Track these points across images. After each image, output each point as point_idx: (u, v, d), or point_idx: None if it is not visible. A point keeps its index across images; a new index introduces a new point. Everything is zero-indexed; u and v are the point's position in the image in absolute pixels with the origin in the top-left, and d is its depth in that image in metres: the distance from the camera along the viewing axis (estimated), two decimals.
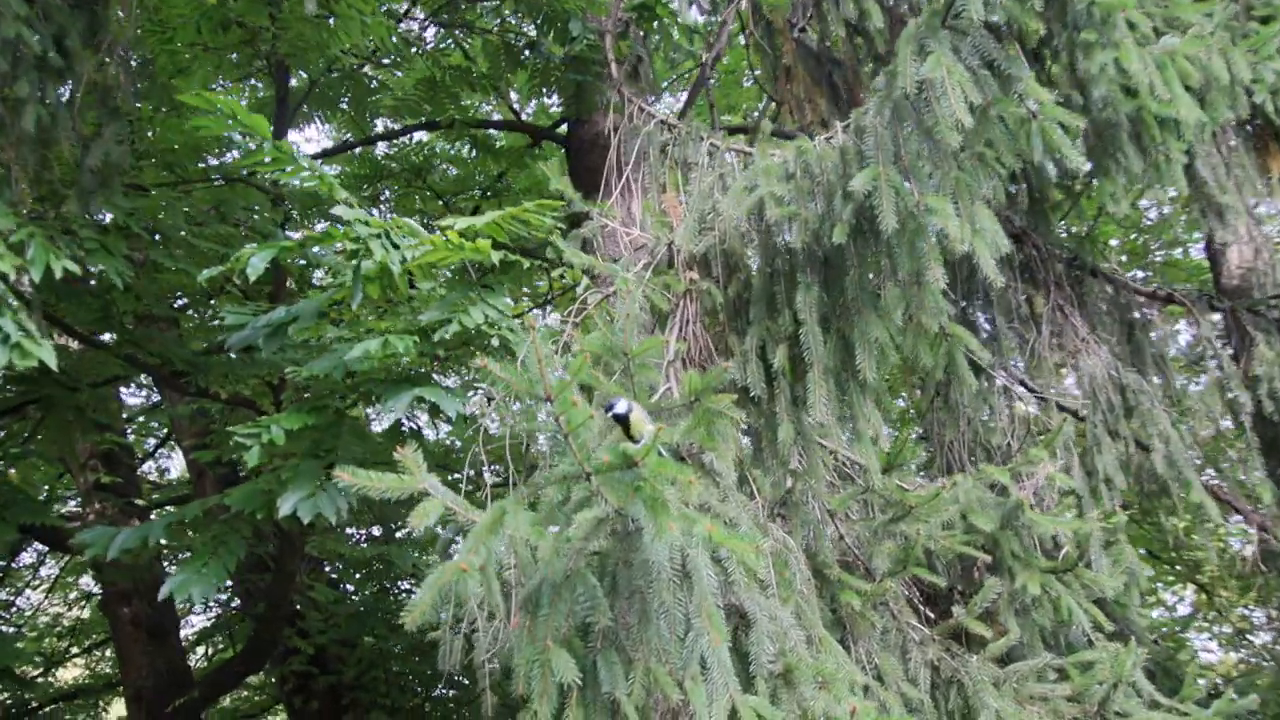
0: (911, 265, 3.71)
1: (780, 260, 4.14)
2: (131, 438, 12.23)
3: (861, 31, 5.48)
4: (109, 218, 6.19)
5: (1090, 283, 6.25)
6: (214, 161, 8.15)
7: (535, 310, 6.99)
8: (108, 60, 5.05)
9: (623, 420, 3.20)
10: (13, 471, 11.26)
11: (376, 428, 6.93)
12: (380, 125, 9.31)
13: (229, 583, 11.18)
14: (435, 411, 5.12)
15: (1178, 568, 11.99)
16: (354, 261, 4.79)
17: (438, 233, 4.90)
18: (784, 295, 4.09)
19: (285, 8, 6.34)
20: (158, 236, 6.47)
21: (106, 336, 7.87)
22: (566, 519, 2.92)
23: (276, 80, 7.64)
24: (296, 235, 7.22)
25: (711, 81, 6.34)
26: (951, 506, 4.37)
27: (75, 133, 4.98)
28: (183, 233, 6.74)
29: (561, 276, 5.32)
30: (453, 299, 4.94)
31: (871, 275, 3.98)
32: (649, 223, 4.73)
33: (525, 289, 7.59)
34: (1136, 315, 6.20)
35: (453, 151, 9.83)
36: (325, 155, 9.30)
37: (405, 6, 8.50)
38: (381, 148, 9.73)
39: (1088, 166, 3.78)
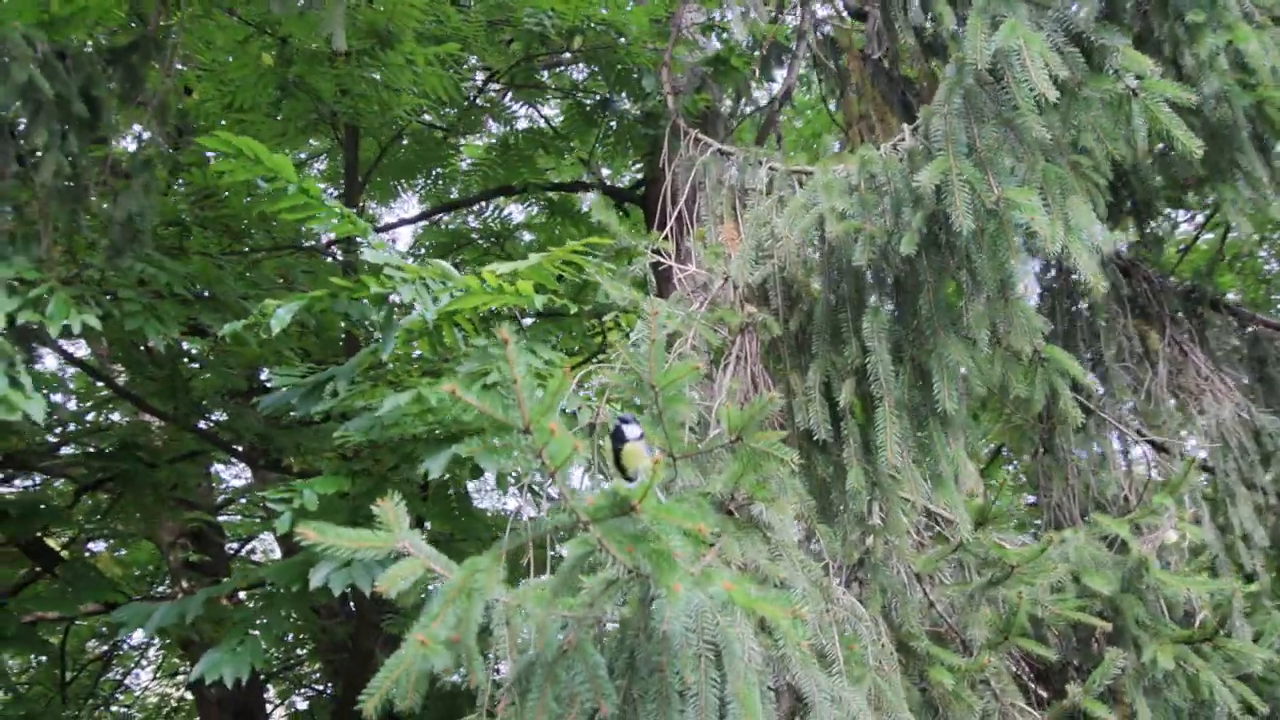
0: (995, 274, 3.05)
1: (845, 284, 3.51)
2: (238, 518, 12.00)
3: (935, 49, 4.86)
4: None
5: (1211, 317, 5.45)
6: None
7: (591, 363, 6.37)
8: (143, 111, 4.73)
9: (616, 447, 2.62)
10: (120, 552, 11.11)
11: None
12: (457, 192, 8.95)
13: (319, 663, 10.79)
14: (476, 472, 4.60)
15: None
16: (384, 309, 4.33)
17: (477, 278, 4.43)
18: (850, 323, 3.46)
19: (342, 65, 6.02)
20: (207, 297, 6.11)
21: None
22: (565, 578, 2.32)
23: (346, 147, 7.35)
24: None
25: (781, 118, 5.77)
26: (1061, 566, 3.62)
27: (107, 186, 4.65)
28: (244, 300, 6.39)
29: (616, 323, 4.77)
30: (494, 350, 4.43)
31: (950, 293, 3.33)
32: (702, 255, 4.15)
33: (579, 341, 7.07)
34: (1270, 351, 5.35)
35: (536, 221, 9.45)
36: (403, 224, 9.00)
37: (480, 78, 8.16)
38: (462, 215, 9.39)
39: (1201, 152, 3.07)
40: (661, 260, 4.32)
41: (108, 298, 5.05)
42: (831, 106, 6.31)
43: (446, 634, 2.07)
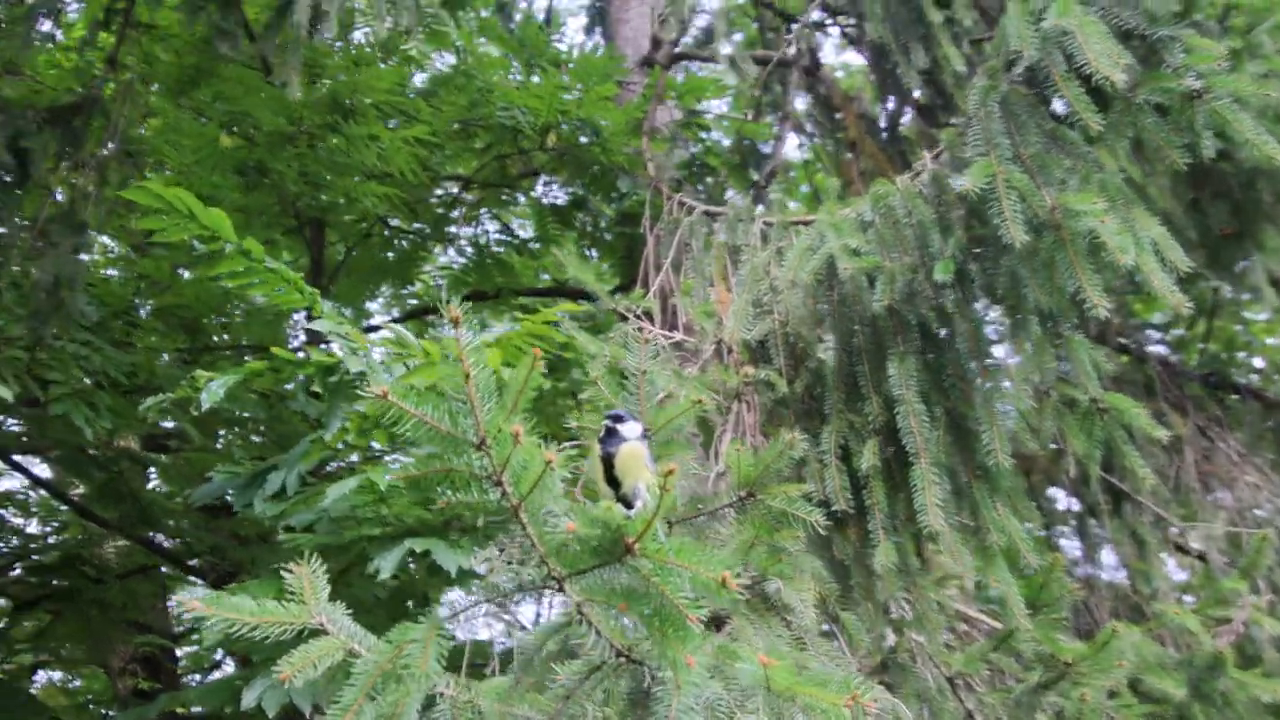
0: (1054, 300, 2.47)
1: (861, 333, 2.92)
2: (198, 648, 11.06)
3: (932, 110, 4.40)
4: None
5: (1233, 401, 4.89)
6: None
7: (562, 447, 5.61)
8: (78, 173, 4.17)
9: (608, 452, 1.97)
10: (75, 681, 10.09)
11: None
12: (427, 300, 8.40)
13: None
14: (434, 569, 3.91)
15: None
16: (333, 378, 3.71)
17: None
18: (868, 376, 2.85)
19: (304, 143, 5.50)
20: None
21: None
22: (532, 665, 1.64)
23: (311, 244, 6.80)
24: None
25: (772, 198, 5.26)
26: (1122, 663, 2.95)
27: (34, 249, 4.05)
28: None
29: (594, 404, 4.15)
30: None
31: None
32: (692, 317, 3.56)
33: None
34: None
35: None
36: (369, 330, 8.40)
37: (455, 189, 7.69)
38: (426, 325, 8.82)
39: None
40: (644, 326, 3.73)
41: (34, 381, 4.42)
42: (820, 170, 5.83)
43: None
